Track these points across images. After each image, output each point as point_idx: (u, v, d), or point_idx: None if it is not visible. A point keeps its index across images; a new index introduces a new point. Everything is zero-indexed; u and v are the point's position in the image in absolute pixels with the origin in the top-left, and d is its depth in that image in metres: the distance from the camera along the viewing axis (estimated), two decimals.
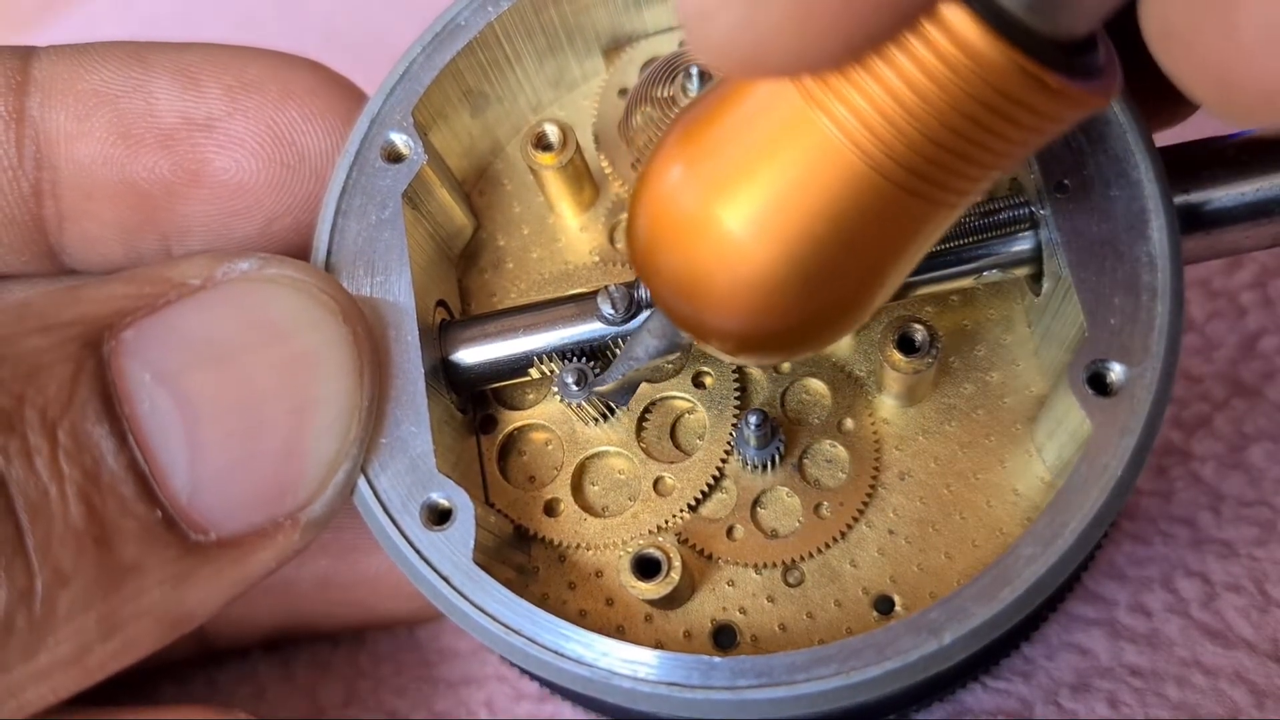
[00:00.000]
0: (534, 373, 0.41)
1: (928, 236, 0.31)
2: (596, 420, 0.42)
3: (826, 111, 0.28)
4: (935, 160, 0.28)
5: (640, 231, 0.32)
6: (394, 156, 0.41)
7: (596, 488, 0.42)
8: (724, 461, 0.41)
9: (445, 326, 0.41)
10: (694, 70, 0.42)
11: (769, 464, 0.41)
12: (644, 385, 0.42)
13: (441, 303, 0.43)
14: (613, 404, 0.41)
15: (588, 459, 0.42)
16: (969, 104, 0.27)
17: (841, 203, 0.29)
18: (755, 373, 0.42)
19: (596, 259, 0.45)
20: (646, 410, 0.42)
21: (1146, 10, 0.27)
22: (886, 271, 0.31)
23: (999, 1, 0.26)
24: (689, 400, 0.42)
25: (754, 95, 0.30)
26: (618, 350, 0.41)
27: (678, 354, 0.38)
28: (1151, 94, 0.35)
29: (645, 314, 0.40)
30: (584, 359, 0.41)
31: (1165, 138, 0.39)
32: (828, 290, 0.31)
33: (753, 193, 0.30)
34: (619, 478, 0.42)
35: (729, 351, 0.34)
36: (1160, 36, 0.27)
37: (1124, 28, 0.28)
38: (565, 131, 0.43)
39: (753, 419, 0.39)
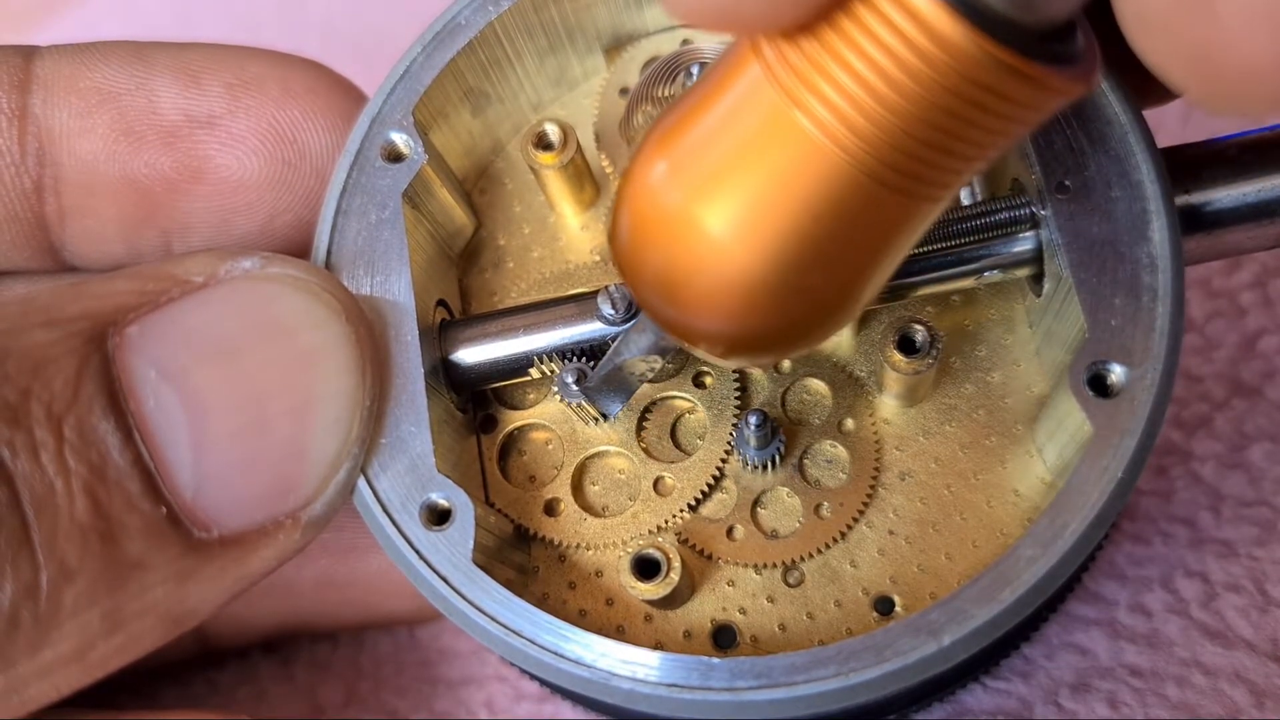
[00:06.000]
0: (534, 373, 0.41)
1: (912, 232, 0.30)
2: (597, 420, 0.42)
3: (804, 109, 0.28)
4: (916, 154, 0.28)
5: (622, 232, 0.32)
6: (394, 156, 0.41)
7: (597, 487, 0.42)
8: (724, 461, 0.41)
9: (445, 326, 0.41)
10: (694, 70, 0.42)
11: (769, 464, 0.41)
12: (645, 385, 0.42)
13: (442, 302, 0.43)
14: (604, 411, 0.41)
15: (588, 459, 0.42)
16: (944, 96, 0.27)
17: (823, 201, 0.29)
18: (756, 373, 0.42)
19: (597, 258, 0.45)
20: (647, 410, 0.42)
21: None
22: (872, 269, 0.31)
23: None
24: (689, 400, 0.42)
25: (733, 93, 0.29)
26: None
27: (667, 355, 0.37)
28: (1131, 81, 0.35)
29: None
30: (584, 359, 0.40)
31: (1166, 139, 0.39)
32: (813, 289, 0.30)
33: (733, 192, 0.29)
34: (619, 478, 0.42)
35: (715, 354, 0.33)
36: (1136, 22, 0.26)
37: (1101, 12, 0.27)
38: (566, 131, 0.43)
39: (753, 419, 0.39)
